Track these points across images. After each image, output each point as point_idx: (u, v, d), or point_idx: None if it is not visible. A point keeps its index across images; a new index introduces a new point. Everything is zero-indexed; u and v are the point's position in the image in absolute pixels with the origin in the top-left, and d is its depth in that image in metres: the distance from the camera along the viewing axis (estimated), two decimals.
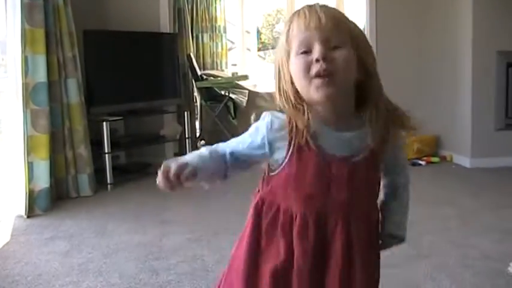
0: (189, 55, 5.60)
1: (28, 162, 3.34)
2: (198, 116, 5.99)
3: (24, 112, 3.34)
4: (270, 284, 1.13)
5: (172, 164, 1.05)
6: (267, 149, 1.13)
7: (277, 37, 1.14)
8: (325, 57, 1.04)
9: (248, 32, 9.16)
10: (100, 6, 4.57)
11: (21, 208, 3.30)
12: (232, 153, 1.16)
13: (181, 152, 4.84)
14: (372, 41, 4.97)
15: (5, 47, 3.43)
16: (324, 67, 1.04)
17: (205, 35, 6.52)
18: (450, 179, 4.04)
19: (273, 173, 1.15)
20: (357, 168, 1.11)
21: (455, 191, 3.67)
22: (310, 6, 1.09)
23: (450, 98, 4.64)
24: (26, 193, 3.30)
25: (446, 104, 4.72)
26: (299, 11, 1.10)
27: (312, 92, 1.06)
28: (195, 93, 5.88)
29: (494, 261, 2.39)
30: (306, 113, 1.08)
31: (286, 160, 1.11)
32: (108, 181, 3.96)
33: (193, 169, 1.07)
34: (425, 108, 4.96)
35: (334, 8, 1.11)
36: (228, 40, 7.52)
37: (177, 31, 5.30)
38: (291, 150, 1.10)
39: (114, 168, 4.03)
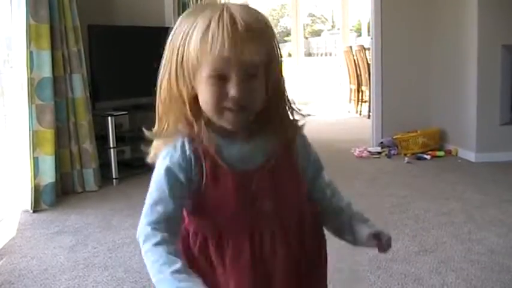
0: None
1: (34, 157, 3.36)
2: None
3: (30, 107, 3.35)
4: None
5: None
6: (190, 183, 1.03)
7: (182, 32, 0.96)
8: (242, 94, 0.94)
9: None
10: (104, 1, 4.56)
11: (27, 203, 3.32)
12: (170, 221, 1.04)
13: None
14: (377, 35, 4.95)
15: (11, 43, 3.44)
16: (240, 103, 0.95)
17: None
18: (455, 173, 4.02)
19: (192, 200, 1.05)
20: (273, 177, 1.04)
21: (460, 185, 3.66)
22: (232, 18, 0.92)
23: (455, 92, 4.63)
24: (32, 188, 3.32)
25: (451, 98, 4.71)
26: (218, 21, 0.92)
27: (222, 122, 0.98)
28: None
29: (499, 256, 2.39)
30: (205, 131, 1.00)
31: (203, 185, 1.01)
32: (114, 176, 3.97)
33: None
34: (430, 102, 4.96)
35: (256, 13, 0.97)
36: None
37: None
38: (204, 174, 1.00)
39: (119, 163, 4.04)
